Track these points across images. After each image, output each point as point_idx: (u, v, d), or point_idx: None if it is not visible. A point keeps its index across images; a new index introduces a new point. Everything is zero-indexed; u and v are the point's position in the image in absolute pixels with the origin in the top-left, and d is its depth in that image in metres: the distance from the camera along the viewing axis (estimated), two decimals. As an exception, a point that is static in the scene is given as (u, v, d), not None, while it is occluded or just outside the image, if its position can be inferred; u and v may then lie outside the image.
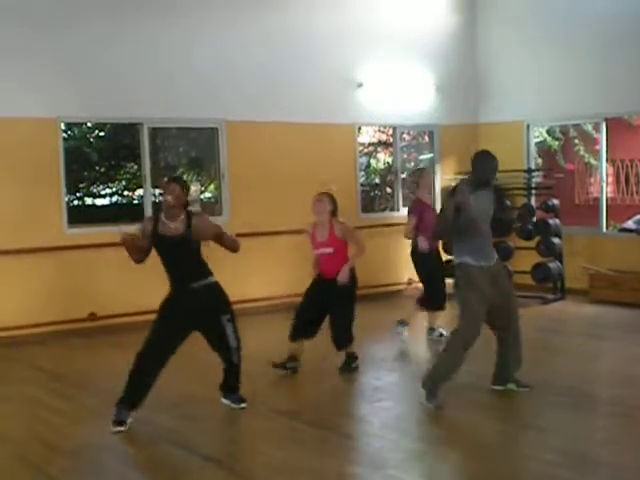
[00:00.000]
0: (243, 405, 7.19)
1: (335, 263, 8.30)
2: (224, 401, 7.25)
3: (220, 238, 6.92)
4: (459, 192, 6.93)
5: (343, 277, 8.22)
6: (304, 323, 8.45)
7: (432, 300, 9.77)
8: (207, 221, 6.99)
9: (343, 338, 8.45)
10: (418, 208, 9.62)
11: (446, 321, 9.63)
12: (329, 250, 8.31)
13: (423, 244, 9.40)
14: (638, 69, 12.08)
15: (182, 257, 6.86)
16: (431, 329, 9.99)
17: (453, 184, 7.65)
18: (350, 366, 8.54)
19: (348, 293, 8.36)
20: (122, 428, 6.65)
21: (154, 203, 11.76)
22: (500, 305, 7.20)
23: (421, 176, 9.96)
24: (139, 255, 6.86)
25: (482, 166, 7.11)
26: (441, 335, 9.72)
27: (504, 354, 7.45)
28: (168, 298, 6.93)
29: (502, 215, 7.62)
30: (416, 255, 9.67)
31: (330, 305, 8.39)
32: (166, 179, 7.13)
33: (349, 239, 8.40)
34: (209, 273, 6.99)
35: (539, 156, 15.88)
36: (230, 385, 7.26)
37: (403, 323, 10.03)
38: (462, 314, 7.14)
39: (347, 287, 8.28)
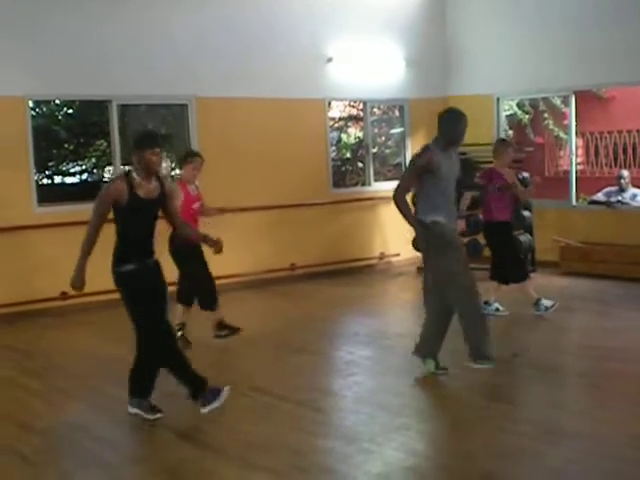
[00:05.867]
0: (227, 389, 6.34)
1: (199, 217, 8.71)
2: (205, 410, 6.28)
3: (177, 211, 6.51)
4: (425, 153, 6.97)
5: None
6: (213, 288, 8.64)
7: (505, 272, 9.42)
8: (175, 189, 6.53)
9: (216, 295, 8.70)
10: (486, 176, 9.48)
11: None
12: (200, 204, 8.75)
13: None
14: (607, 42, 12.09)
15: (153, 223, 6.24)
16: (486, 302, 9.23)
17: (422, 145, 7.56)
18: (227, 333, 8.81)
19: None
20: (161, 414, 6.29)
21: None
22: None
23: (497, 149, 9.46)
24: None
25: (450, 126, 7.00)
26: (497, 310, 9.56)
27: (467, 329, 7.24)
28: (132, 272, 6.11)
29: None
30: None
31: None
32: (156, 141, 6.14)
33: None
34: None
35: (510, 129, 15.90)
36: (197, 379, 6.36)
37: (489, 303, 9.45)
38: (451, 275, 7.06)
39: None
